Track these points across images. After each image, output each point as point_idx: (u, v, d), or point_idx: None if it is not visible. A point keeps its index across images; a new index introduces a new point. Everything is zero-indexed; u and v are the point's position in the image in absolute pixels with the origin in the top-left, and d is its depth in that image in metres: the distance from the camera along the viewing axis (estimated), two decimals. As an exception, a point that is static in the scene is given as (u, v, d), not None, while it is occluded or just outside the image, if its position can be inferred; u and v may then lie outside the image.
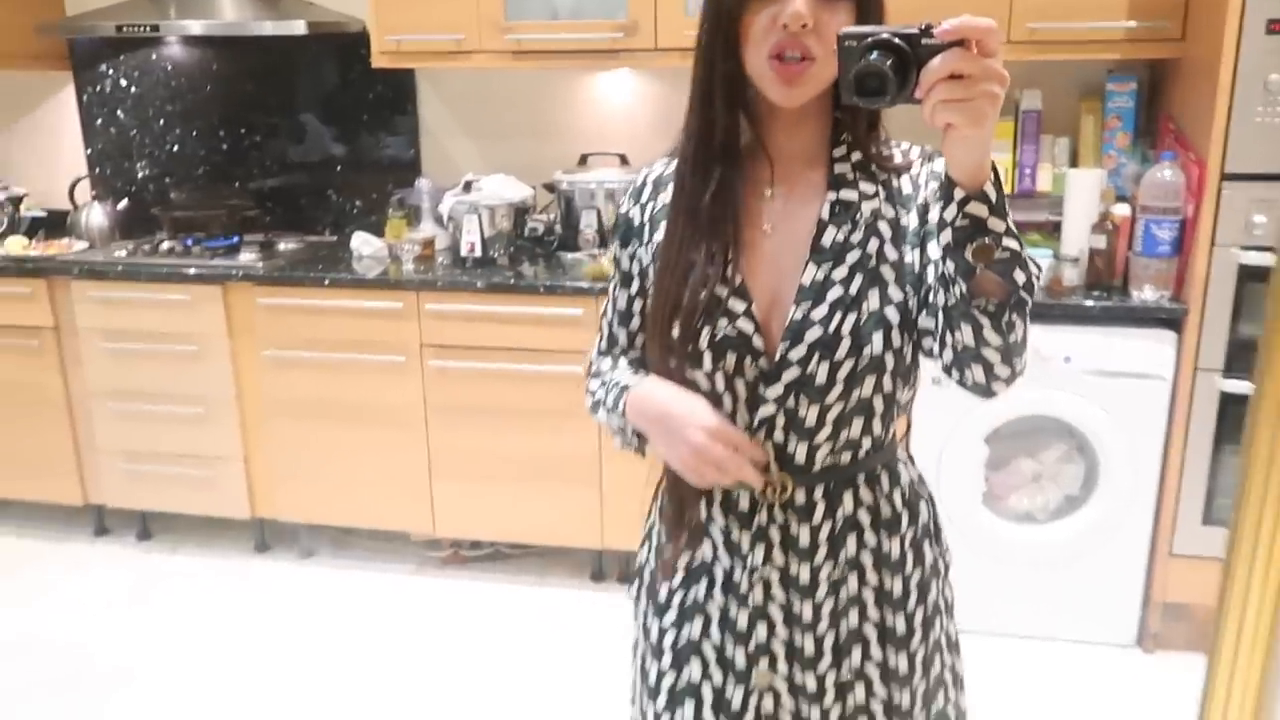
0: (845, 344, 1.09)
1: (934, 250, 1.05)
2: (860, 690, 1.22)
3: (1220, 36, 2.32)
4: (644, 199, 1.22)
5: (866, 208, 1.12)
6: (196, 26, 3.15)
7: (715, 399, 1.13)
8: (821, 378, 1.09)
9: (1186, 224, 2.51)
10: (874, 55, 0.90)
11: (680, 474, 1.14)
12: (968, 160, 0.94)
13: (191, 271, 3.08)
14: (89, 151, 3.67)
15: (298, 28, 3.04)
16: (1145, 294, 2.55)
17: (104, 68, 3.58)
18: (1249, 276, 2.41)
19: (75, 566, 3.25)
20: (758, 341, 1.11)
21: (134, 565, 3.25)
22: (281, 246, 3.32)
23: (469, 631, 2.86)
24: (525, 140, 3.35)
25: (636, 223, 1.22)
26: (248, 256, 3.19)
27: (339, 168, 3.52)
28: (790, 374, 1.10)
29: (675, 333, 1.12)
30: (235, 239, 3.31)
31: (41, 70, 3.56)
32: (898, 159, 1.15)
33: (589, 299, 2.82)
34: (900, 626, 1.21)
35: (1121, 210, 2.63)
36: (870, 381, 1.11)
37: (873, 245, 1.11)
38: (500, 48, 2.96)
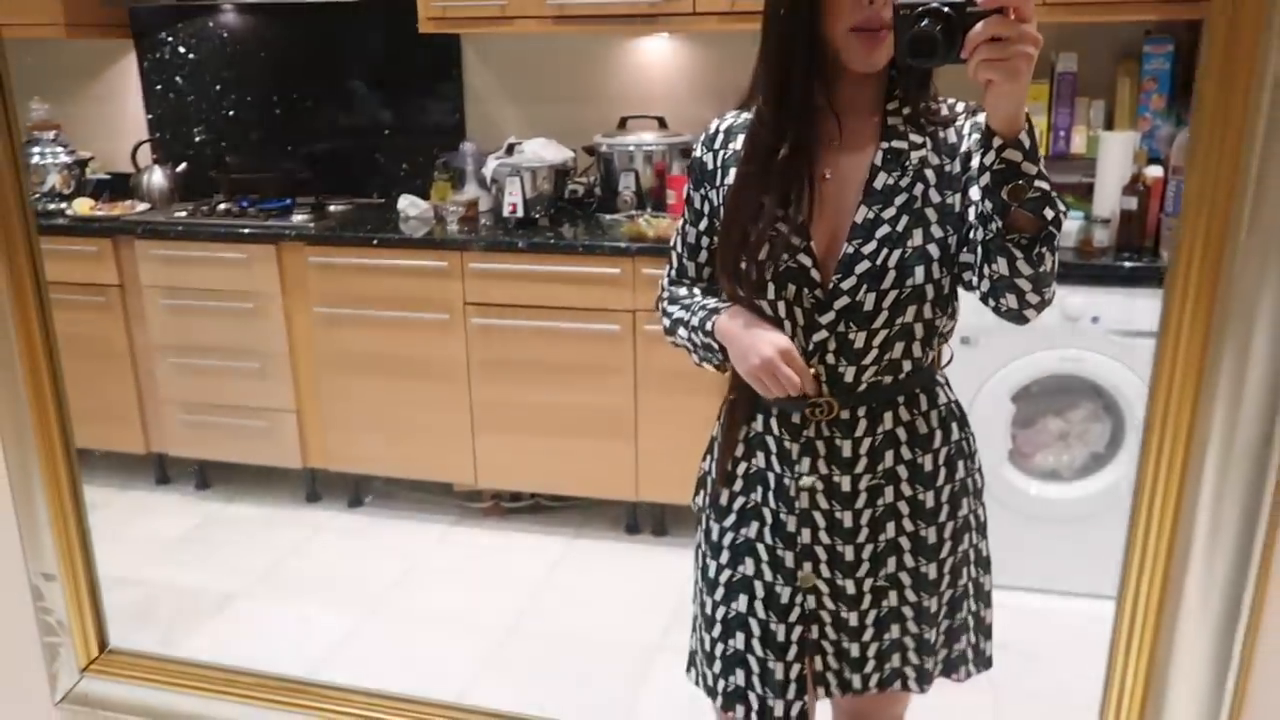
0: (891, 275, 1.22)
1: (975, 193, 1.18)
2: (893, 596, 1.35)
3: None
4: (716, 145, 1.35)
5: (915, 156, 1.25)
6: (251, -5, 3.26)
7: (777, 323, 1.27)
8: (869, 305, 1.23)
9: (1218, 185, 2.52)
10: (925, 22, 1.05)
11: (749, 382, 1.28)
12: (1005, 112, 1.08)
13: (247, 231, 3.22)
14: (150, 117, 3.82)
15: (347, -5, 3.14)
16: (1176, 255, 2.57)
17: (164, 35, 3.72)
18: None
19: (140, 511, 3.44)
20: (815, 274, 1.25)
21: (193, 511, 3.43)
22: (332, 208, 3.45)
23: (508, 580, 2.99)
24: (566, 104, 3.43)
25: (710, 167, 1.35)
26: (300, 217, 3.32)
27: (386, 132, 3.63)
28: (841, 302, 1.24)
29: (744, 265, 1.27)
30: (288, 201, 3.45)
31: (105, 38, 3.71)
32: (944, 113, 1.29)
33: (627, 259, 2.91)
34: (931, 537, 1.34)
35: (1154, 172, 2.65)
36: (912, 310, 1.24)
37: (919, 189, 1.24)
38: (542, 13, 3.04)
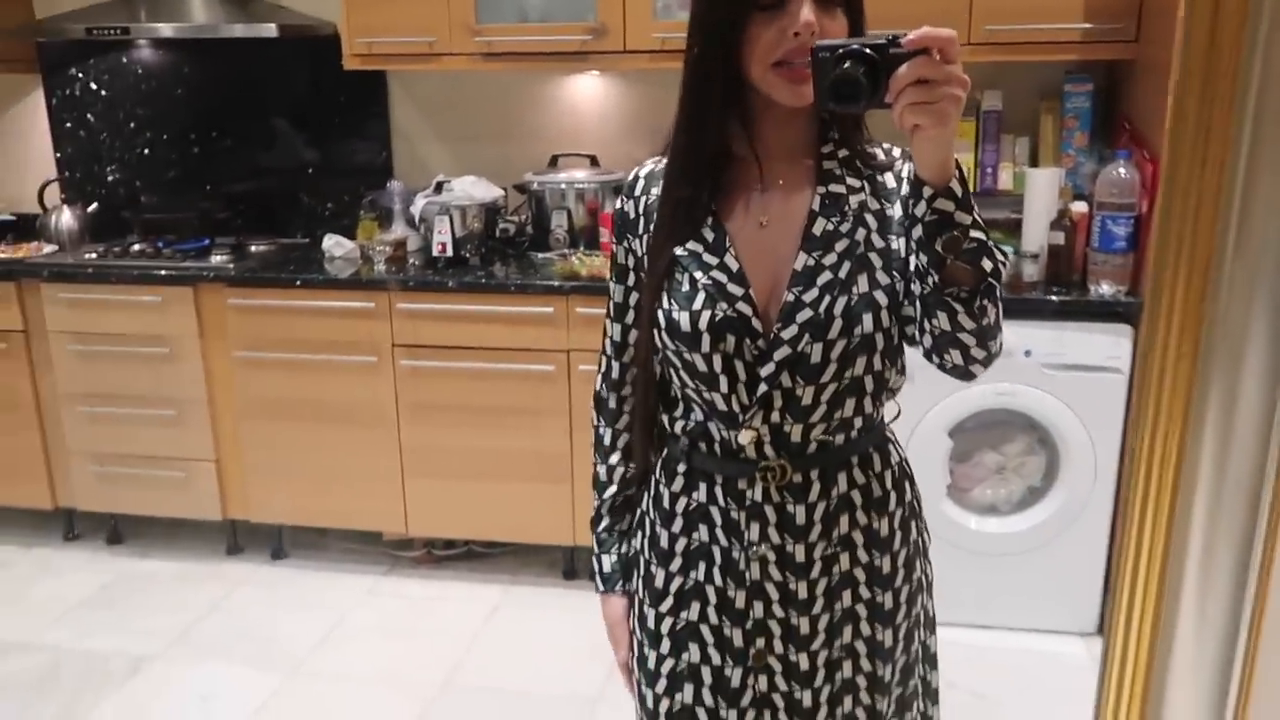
0: (837, 324, 1.15)
1: (909, 234, 1.14)
2: (848, 666, 1.27)
3: (1172, 36, 2.38)
4: (637, 193, 1.28)
5: (853, 200, 1.19)
6: (167, 29, 3.16)
7: (713, 380, 1.19)
8: (816, 357, 1.16)
9: (1141, 220, 2.57)
10: (847, 65, 0.99)
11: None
12: (934, 159, 1.03)
13: (162, 273, 3.09)
14: (59, 155, 3.67)
15: (268, 30, 3.05)
16: (1103, 289, 2.61)
17: (74, 70, 3.58)
18: (1202, 271, 2.47)
19: (45, 571, 3.24)
20: (756, 324, 1.17)
21: (105, 568, 3.24)
22: (253, 248, 3.33)
23: (441, 632, 2.87)
24: (496, 142, 3.38)
25: (631, 216, 1.28)
26: (219, 258, 3.19)
27: (310, 170, 3.54)
28: (782, 353, 1.16)
29: (675, 316, 1.19)
30: (206, 241, 3.32)
31: (10, 73, 3.56)
32: (881, 157, 1.24)
33: (560, 298, 2.85)
34: (888, 602, 1.27)
35: (1079, 208, 2.69)
36: (862, 361, 1.17)
37: (860, 234, 1.18)
38: (471, 49, 2.99)
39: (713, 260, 1.19)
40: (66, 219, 3.45)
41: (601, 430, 1.36)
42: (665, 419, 1.29)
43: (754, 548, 1.23)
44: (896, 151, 1.24)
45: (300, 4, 3.32)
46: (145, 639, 2.84)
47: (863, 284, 1.16)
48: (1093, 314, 2.60)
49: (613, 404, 1.35)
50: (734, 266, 1.18)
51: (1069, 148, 2.85)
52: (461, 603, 3.01)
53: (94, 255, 3.27)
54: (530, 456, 2.97)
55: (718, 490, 1.24)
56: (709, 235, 1.20)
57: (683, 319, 1.18)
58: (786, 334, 1.16)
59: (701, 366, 1.19)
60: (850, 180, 1.20)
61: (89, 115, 3.62)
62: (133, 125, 3.60)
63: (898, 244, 1.18)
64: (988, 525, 2.74)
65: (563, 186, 3.16)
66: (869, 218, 1.19)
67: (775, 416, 1.19)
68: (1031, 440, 2.72)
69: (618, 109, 3.31)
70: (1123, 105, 2.83)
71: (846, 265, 1.16)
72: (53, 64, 3.59)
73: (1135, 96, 2.73)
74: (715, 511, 1.25)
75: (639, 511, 1.37)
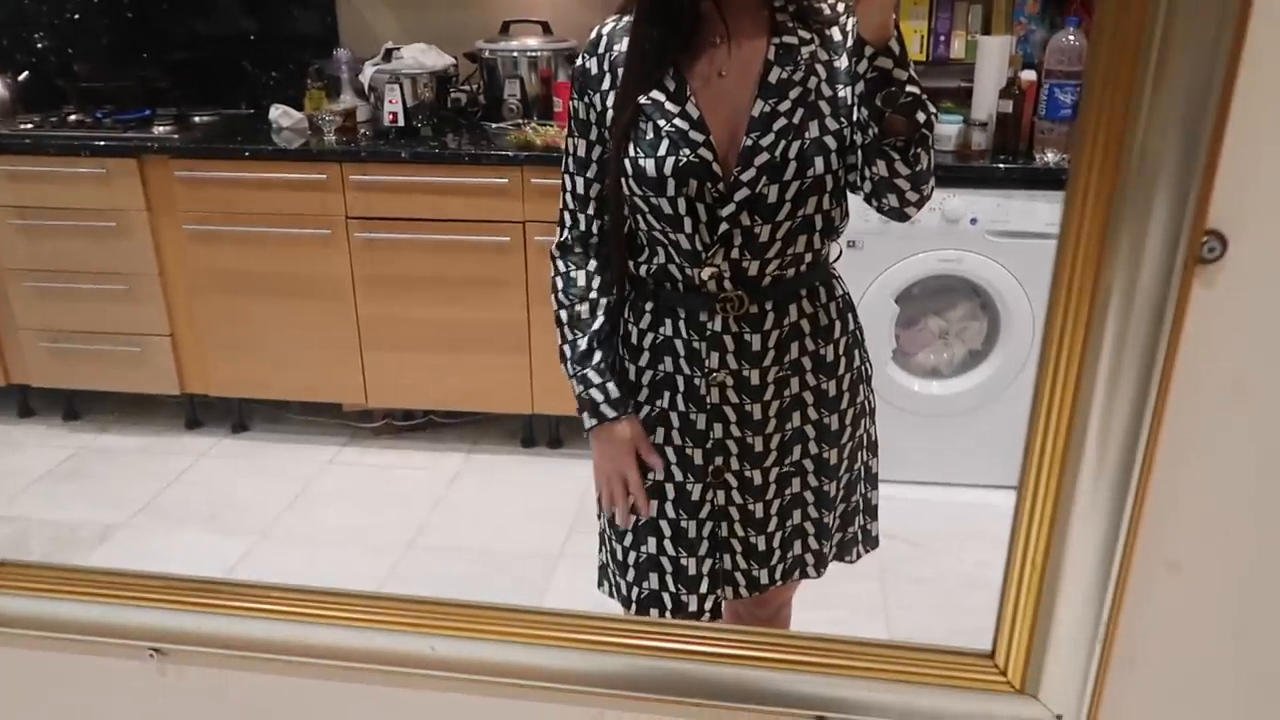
0: (792, 167, 1.23)
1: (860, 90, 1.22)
2: (797, 482, 1.40)
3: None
4: (600, 49, 1.32)
5: (805, 51, 1.26)
6: (92, -117, 3.00)
7: (678, 221, 1.27)
8: (772, 197, 1.24)
9: (1088, 88, 2.61)
10: None
11: (598, 481, 1.42)
12: (876, 20, 1.13)
13: (104, 144, 3.01)
14: (-17, 20, 3.51)
15: (201, -114, 2.92)
16: (1048, 157, 2.67)
17: (-7, -71, 3.39)
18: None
19: (4, 446, 3.25)
20: (716, 168, 1.24)
21: (64, 443, 3.26)
22: (196, 119, 3.25)
23: (404, 499, 2.96)
24: (445, 8, 3.30)
25: (594, 71, 1.32)
26: (162, 129, 3.11)
27: (252, 38, 3.42)
28: (742, 194, 1.24)
29: (641, 163, 1.25)
30: (147, 112, 3.23)
31: (-76, -69, 3.36)
32: (827, 11, 1.31)
33: (514, 168, 2.85)
34: (834, 424, 1.39)
35: (1028, 76, 2.72)
36: (813, 201, 1.26)
37: (812, 83, 1.25)
38: (416, -91, 2.89)
39: (674, 109, 1.25)
40: (-3, 88, 3.32)
41: (572, 273, 1.40)
42: (630, 264, 1.36)
43: (714, 374, 1.33)
44: (841, 6, 1.31)
45: None
46: (112, 509, 2.89)
47: (814, 129, 1.24)
48: (1038, 182, 2.67)
49: (579, 249, 1.40)
50: (694, 114, 1.25)
51: (1021, 15, 2.86)
52: (423, 470, 3.09)
53: (30, 126, 3.16)
54: (488, 327, 3.01)
55: (681, 324, 1.33)
56: (670, 85, 1.27)
57: (649, 165, 1.25)
58: (746, 176, 1.24)
59: (667, 209, 1.27)
60: (801, 32, 1.27)
61: (13, -23, 3.44)
62: (61, -12, 3.44)
63: (844, 93, 1.26)
64: (931, 388, 2.85)
65: (515, 55, 3.11)
66: (819, 68, 1.26)
67: (735, 253, 1.28)
68: (974, 305, 2.82)
69: (569, -26, 3.23)
70: (1075, -28, 2.83)
71: (800, 112, 1.24)
72: (-30, -79, 3.39)
73: (1087, -38, 2.74)
74: (679, 344, 1.34)
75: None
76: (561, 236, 1.41)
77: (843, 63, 1.27)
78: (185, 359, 3.19)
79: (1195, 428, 0.59)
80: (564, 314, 1.40)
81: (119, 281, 3.11)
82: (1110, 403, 0.58)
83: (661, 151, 1.25)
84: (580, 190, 1.38)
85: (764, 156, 1.24)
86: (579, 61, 1.35)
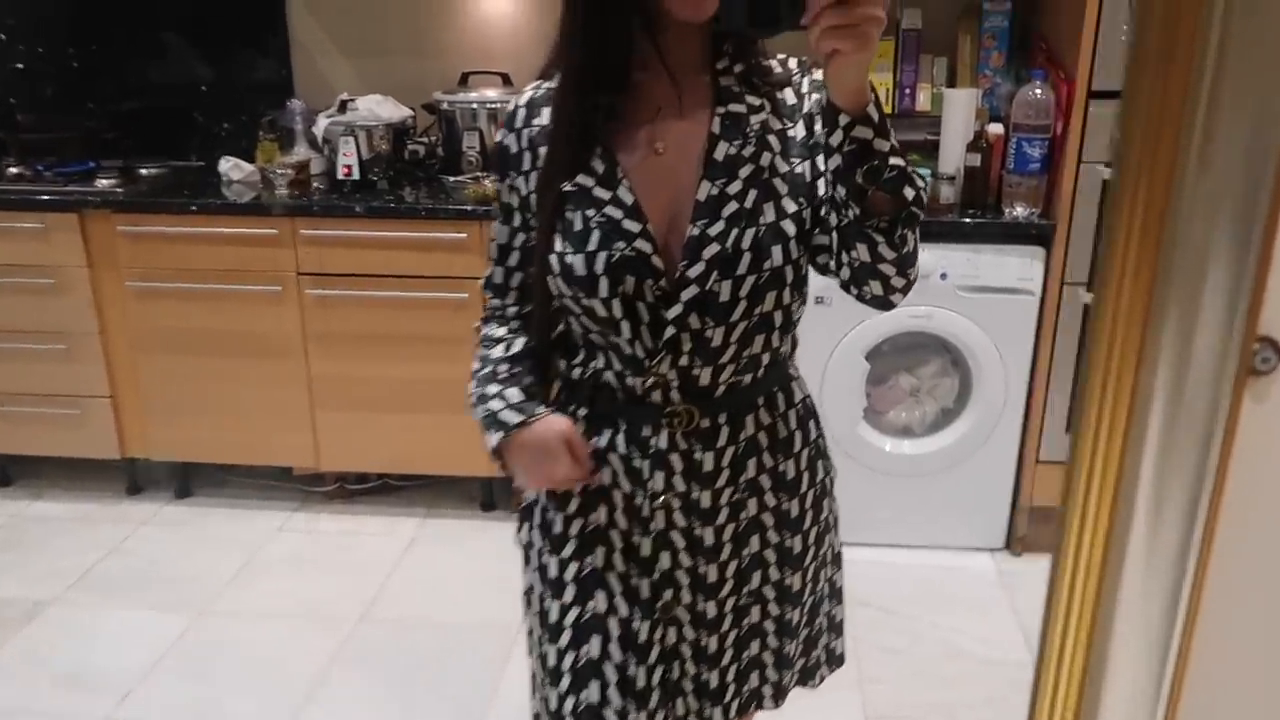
0: (746, 259, 1.08)
1: (822, 166, 1.08)
2: (756, 611, 1.24)
3: (1089, -45, 2.37)
4: (518, 124, 1.17)
5: (755, 120, 1.11)
6: (36, -69, 2.91)
7: (614, 325, 1.11)
8: (725, 295, 1.08)
9: (1056, 141, 2.58)
10: None
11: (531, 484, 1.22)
12: (851, 84, 0.97)
13: (44, 198, 2.89)
14: (-79, 70, 3.38)
15: (150, -66, 2.84)
16: (1016, 211, 2.63)
17: (-67, -23, 3.28)
18: (1112, 192, 2.50)
19: (-70, 515, 3.07)
20: (657, 261, 1.09)
21: (-5, 511, 3.09)
22: (143, 172, 3.14)
23: (357, 567, 2.81)
24: (403, 58, 3.23)
25: (513, 150, 1.17)
26: (105, 182, 3.00)
27: (204, 88, 3.33)
28: (689, 292, 1.08)
29: (569, 259, 1.09)
30: (91, 164, 3.11)
31: None
32: (778, 71, 1.15)
33: (472, 223, 2.76)
34: (797, 546, 1.24)
35: (995, 129, 2.69)
36: (772, 297, 1.10)
37: (765, 158, 1.10)
38: (372, -41, 2.83)
39: (604, 194, 1.09)
40: (-67, 140, 3.19)
41: (494, 333, 1.25)
42: (564, 364, 1.21)
43: (659, 498, 1.16)
44: (793, 63, 1.16)
45: (185, -94, 3.09)
46: (42, 583, 2.72)
47: (769, 213, 1.09)
48: (1007, 236, 2.62)
49: (500, 332, 1.24)
50: (628, 200, 1.09)
51: (986, 68, 2.84)
52: (377, 537, 2.96)
53: (-34, 179, 3.04)
54: (444, 385, 2.90)
55: (620, 437, 1.17)
56: (598, 166, 1.10)
57: (577, 263, 1.09)
58: (693, 272, 1.08)
59: (601, 312, 1.10)
60: (750, 98, 1.12)
61: (-46, 26, 3.33)
62: (3, 36, 3.33)
63: (802, 167, 1.11)
64: (902, 447, 2.78)
65: (474, 106, 3.03)
66: (772, 139, 1.11)
67: (684, 360, 1.11)
68: (945, 362, 2.76)
69: (530, 23, 3.18)
70: (1039, 24, 2.82)
71: (753, 193, 1.09)
72: (-91, -32, 3.28)
73: (1051, 14, 2.72)
74: (615, 458, 1.17)
75: None
76: (480, 323, 1.26)
77: (798, 131, 1.12)
78: (126, 421, 3.05)
79: (1247, 560, 0.51)
80: (476, 363, 1.23)
81: (58, 340, 2.97)
82: (1153, 533, 0.49)
83: (591, 246, 1.08)
84: (499, 279, 1.24)
85: (713, 248, 1.07)
86: (498, 138, 1.19)
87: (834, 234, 1.07)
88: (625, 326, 1.10)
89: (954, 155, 2.69)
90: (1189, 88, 0.39)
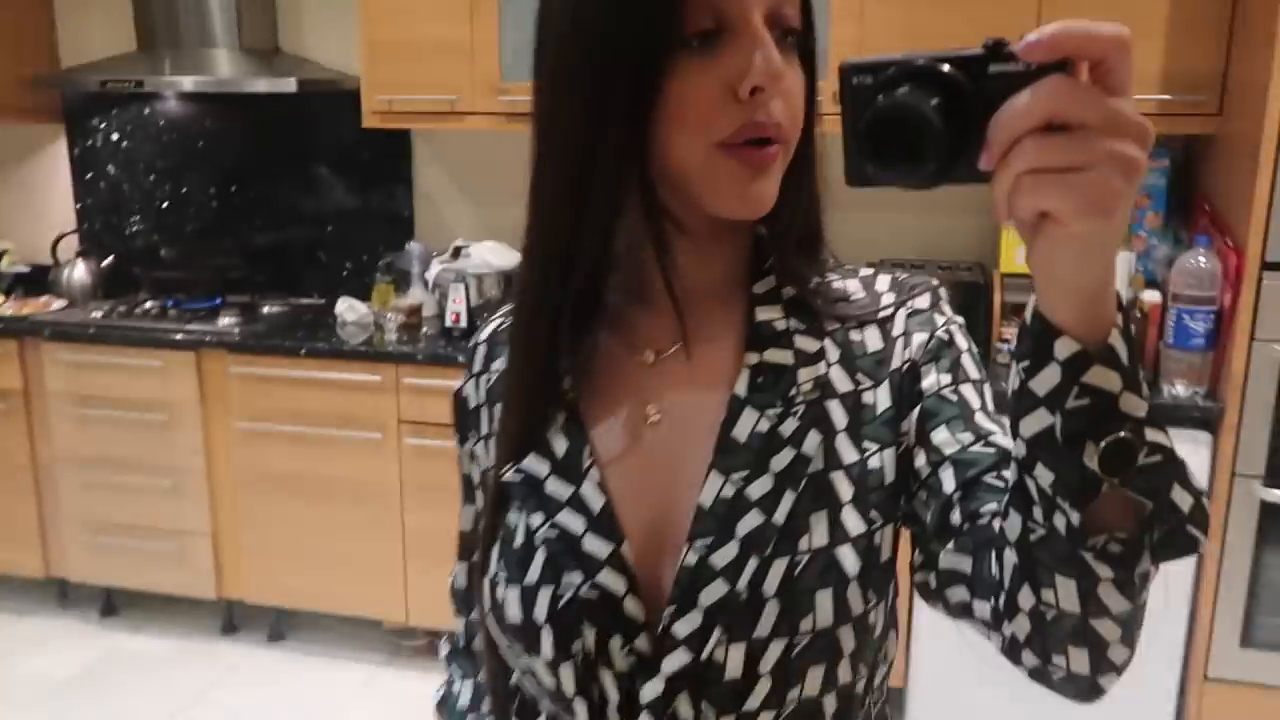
0: (770, 611, 0.66)
1: (944, 440, 0.68)
2: None
3: (1261, 112, 2.12)
4: (477, 367, 0.84)
5: (806, 376, 0.71)
6: (187, 83, 3.05)
7: (564, 704, 0.70)
8: (735, 668, 0.66)
9: (1223, 315, 2.29)
10: (905, 90, 0.50)
11: None
12: (1080, 280, 0.51)
13: (165, 337, 2.95)
14: (79, 206, 3.57)
15: (288, 85, 2.93)
16: (1177, 389, 2.33)
17: (96, 121, 3.49)
18: (1294, 376, 2.19)
19: (35, 642, 3.09)
20: (631, 607, 0.69)
21: (95, 643, 3.08)
22: (265, 309, 3.19)
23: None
24: (519, 206, 3.19)
25: (472, 404, 0.84)
26: (227, 320, 3.04)
27: (329, 228, 3.39)
28: (675, 661, 0.67)
29: (499, 594, 0.72)
30: (218, 300, 3.18)
31: (33, 123, 3.48)
32: (852, 293, 0.75)
33: (576, 377, 2.65)
34: None
35: (1151, 297, 2.42)
36: (816, 673, 0.67)
37: (813, 441, 0.70)
38: (495, 109, 2.83)
39: (561, 491, 0.72)
40: (79, 273, 3.33)
41: (454, 686, 0.94)
42: None
43: None
44: (883, 282, 0.76)
45: (326, 56, 3.20)
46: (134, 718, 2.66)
47: (820, 533, 0.68)
48: (1166, 417, 2.31)
49: (457, 684, 0.94)
50: (595, 503, 0.71)
51: (1140, 228, 2.58)
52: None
53: (99, 314, 3.13)
54: (540, 546, 2.76)
55: None
56: (558, 445, 0.73)
57: (509, 600, 0.71)
58: (682, 627, 0.67)
59: (546, 680, 0.70)
60: (801, 341, 0.72)
61: (110, 167, 3.52)
62: (153, 178, 3.49)
63: (880, 458, 0.71)
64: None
65: (587, 255, 2.96)
66: (833, 408, 0.71)
67: None
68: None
69: (649, 173, 3.11)
70: (1201, 185, 2.56)
71: (787, 498, 0.68)
72: (76, 114, 3.50)
73: (1216, 176, 2.46)
74: None
75: None
76: (447, 643, 0.95)
77: (880, 399, 0.72)
78: (225, 561, 3.01)
79: None
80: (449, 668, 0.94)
81: (165, 476, 2.98)
82: None
83: (532, 577, 0.71)
84: (462, 584, 0.89)
85: (717, 588, 0.67)
86: (459, 385, 0.87)
87: (1005, 557, 0.61)
88: (580, 708, 0.70)
89: (1103, 324, 2.43)
90: None
